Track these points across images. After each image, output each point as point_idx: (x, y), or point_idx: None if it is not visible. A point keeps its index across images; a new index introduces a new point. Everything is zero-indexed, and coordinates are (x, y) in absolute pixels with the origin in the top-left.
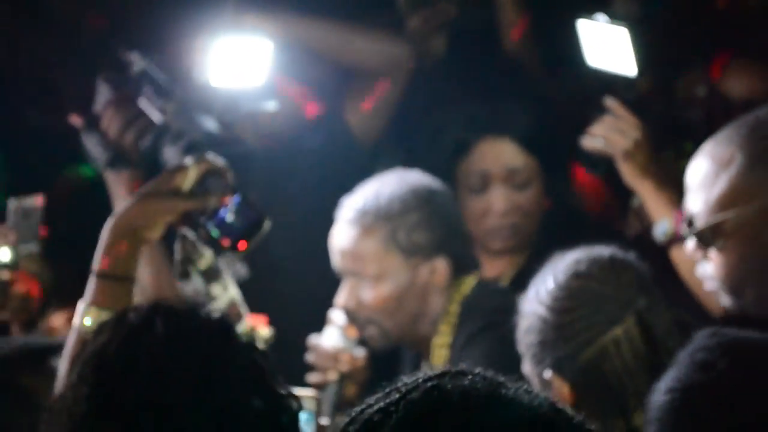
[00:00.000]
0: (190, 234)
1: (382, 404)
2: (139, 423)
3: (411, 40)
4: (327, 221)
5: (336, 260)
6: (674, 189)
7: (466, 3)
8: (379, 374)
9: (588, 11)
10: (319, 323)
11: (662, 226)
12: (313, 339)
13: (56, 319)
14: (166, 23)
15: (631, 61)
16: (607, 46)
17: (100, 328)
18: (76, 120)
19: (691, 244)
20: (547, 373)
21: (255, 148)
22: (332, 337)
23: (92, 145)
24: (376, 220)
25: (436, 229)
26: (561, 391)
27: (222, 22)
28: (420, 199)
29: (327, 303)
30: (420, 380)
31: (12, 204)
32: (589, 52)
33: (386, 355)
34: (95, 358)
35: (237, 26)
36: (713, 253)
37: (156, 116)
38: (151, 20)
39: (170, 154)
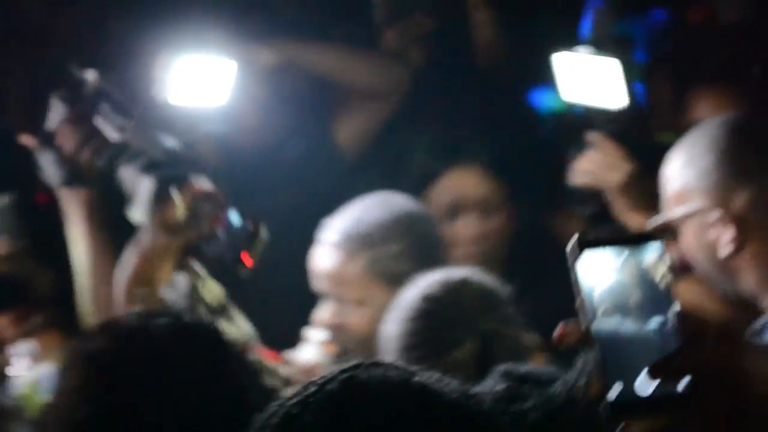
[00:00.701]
0: (196, 265)
1: (300, 396)
2: (141, 424)
3: (387, 52)
4: (305, 234)
5: (317, 281)
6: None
7: (442, 22)
8: None
9: (563, 35)
10: (293, 339)
11: None
12: (289, 353)
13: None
14: (126, 40)
15: (618, 92)
16: (589, 78)
17: (92, 335)
18: (27, 139)
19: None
20: None
21: (220, 165)
22: (309, 352)
23: (47, 163)
24: (359, 246)
25: (418, 258)
26: None
27: (185, 40)
28: (404, 228)
29: (303, 318)
30: (336, 372)
31: None
32: (566, 87)
33: None
34: (92, 363)
35: (200, 45)
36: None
37: (113, 134)
38: (111, 37)
39: (127, 172)
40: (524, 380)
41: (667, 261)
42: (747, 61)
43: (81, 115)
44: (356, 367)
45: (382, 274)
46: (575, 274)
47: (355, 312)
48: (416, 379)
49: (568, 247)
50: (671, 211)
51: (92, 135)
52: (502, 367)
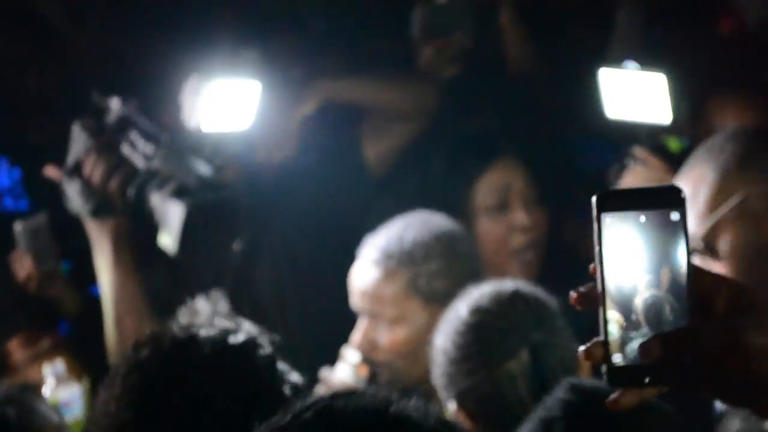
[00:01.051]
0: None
1: (275, 425)
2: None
3: (423, 69)
4: (333, 253)
5: (355, 299)
6: None
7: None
8: None
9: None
10: (329, 356)
11: None
12: (325, 372)
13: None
14: (151, 64)
15: (664, 107)
16: (634, 94)
17: (139, 346)
18: (52, 172)
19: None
20: (452, 405)
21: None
22: (343, 372)
23: (74, 194)
24: (398, 264)
25: (456, 276)
26: (465, 421)
27: (211, 63)
28: (443, 246)
29: (338, 335)
30: (313, 401)
31: (18, 227)
32: (610, 103)
33: None
34: (139, 371)
35: (227, 68)
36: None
37: (140, 162)
38: (136, 62)
39: (157, 199)
40: (590, 394)
41: (686, 222)
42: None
43: (106, 144)
44: (334, 397)
45: (421, 293)
46: (594, 236)
47: (391, 330)
48: (393, 409)
49: (590, 208)
50: (714, 212)
51: (119, 164)
52: (568, 381)
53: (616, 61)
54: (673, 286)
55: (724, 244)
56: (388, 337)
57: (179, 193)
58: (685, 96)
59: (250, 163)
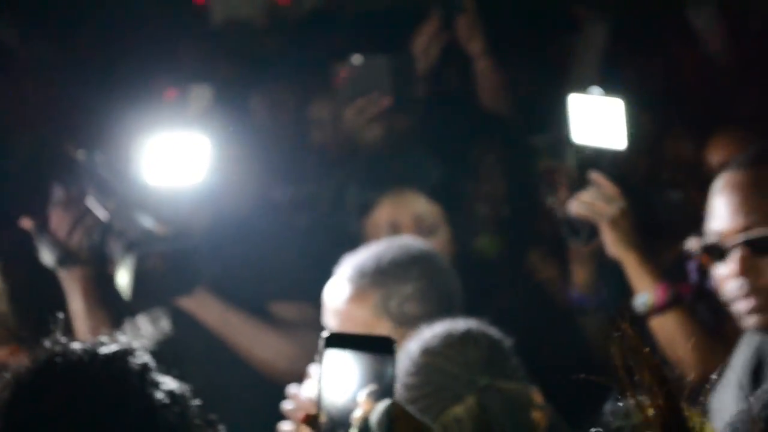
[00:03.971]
0: None
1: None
2: None
3: (347, 128)
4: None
5: (327, 316)
6: (654, 262)
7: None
8: None
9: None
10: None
11: (643, 297)
12: (294, 388)
13: None
14: (108, 119)
15: (620, 133)
16: (597, 119)
17: (5, 384)
18: (26, 222)
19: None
20: None
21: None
22: (313, 390)
23: (44, 245)
24: (371, 284)
25: (429, 301)
26: None
27: (160, 119)
28: (419, 270)
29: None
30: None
31: None
32: (576, 129)
33: None
34: (12, 385)
35: (176, 123)
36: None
37: (102, 214)
38: (96, 116)
39: (114, 251)
40: None
41: (393, 370)
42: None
43: (73, 197)
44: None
45: (392, 315)
46: (319, 367)
47: None
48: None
49: (318, 344)
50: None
51: (83, 216)
52: None
53: (576, 86)
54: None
55: None
56: None
57: (130, 247)
58: (645, 124)
59: (202, 215)
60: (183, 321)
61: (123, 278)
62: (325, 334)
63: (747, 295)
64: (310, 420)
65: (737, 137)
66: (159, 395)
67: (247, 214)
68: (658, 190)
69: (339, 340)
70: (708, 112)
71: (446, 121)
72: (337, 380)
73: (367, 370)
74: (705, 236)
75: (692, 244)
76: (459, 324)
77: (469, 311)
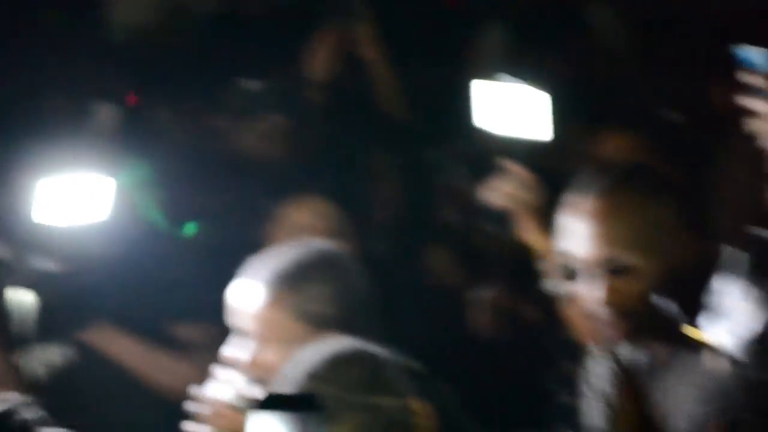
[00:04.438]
0: None
1: None
2: None
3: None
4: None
5: (236, 318)
6: None
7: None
8: None
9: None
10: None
11: (558, 283)
12: (197, 389)
13: None
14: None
15: (542, 124)
16: (510, 108)
17: None
18: None
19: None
20: None
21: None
22: (218, 391)
23: None
24: (286, 286)
25: (343, 302)
26: None
27: (57, 159)
28: (330, 272)
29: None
30: None
31: None
32: (482, 116)
33: None
34: None
35: (73, 164)
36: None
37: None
38: None
39: (14, 288)
40: None
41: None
42: (655, 105)
43: None
44: None
45: (309, 317)
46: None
47: (273, 353)
48: None
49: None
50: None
51: None
52: None
53: (484, 74)
54: None
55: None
56: (271, 359)
57: (28, 285)
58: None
59: (98, 252)
60: (83, 351)
61: (21, 319)
62: (257, 397)
63: (612, 320)
64: None
65: (626, 135)
66: None
67: (144, 237)
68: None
69: (268, 402)
70: (607, 106)
71: (343, 129)
72: None
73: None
74: (561, 255)
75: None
76: (344, 343)
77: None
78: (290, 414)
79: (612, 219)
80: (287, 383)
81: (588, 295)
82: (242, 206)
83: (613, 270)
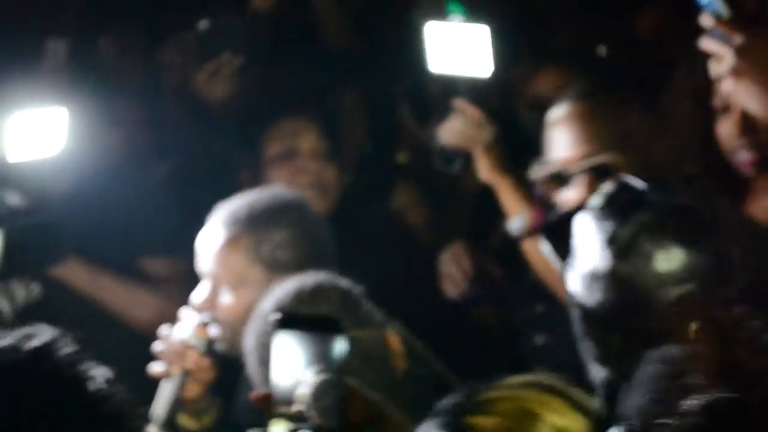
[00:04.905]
0: None
1: None
2: None
3: (197, 89)
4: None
5: (200, 261)
6: (527, 186)
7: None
8: (224, 380)
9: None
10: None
11: (518, 221)
12: (165, 330)
13: None
14: None
15: (485, 60)
16: (457, 47)
17: None
18: None
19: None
20: None
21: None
22: (183, 331)
23: None
24: (244, 229)
25: (301, 248)
26: None
27: (15, 94)
28: (291, 217)
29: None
30: None
31: None
32: (434, 57)
33: (234, 363)
34: None
35: (30, 99)
36: None
37: None
38: None
39: None
40: None
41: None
42: (592, 43)
43: None
44: None
45: (264, 260)
46: (271, 349)
47: (232, 295)
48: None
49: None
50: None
51: None
52: None
53: (431, 12)
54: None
55: None
56: (229, 301)
57: None
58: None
59: (63, 187)
60: (53, 285)
61: None
62: (274, 316)
63: None
64: (263, 399)
65: (562, 71)
66: (92, 385)
67: (109, 171)
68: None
69: (287, 322)
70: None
71: (300, 67)
72: (284, 361)
73: (311, 348)
74: (547, 164)
75: (536, 172)
76: (308, 279)
77: (341, 257)
78: (309, 333)
79: (590, 120)
80: (258, 319)
81: (574, 199)
82: (211, 145)
83: (596, 170)
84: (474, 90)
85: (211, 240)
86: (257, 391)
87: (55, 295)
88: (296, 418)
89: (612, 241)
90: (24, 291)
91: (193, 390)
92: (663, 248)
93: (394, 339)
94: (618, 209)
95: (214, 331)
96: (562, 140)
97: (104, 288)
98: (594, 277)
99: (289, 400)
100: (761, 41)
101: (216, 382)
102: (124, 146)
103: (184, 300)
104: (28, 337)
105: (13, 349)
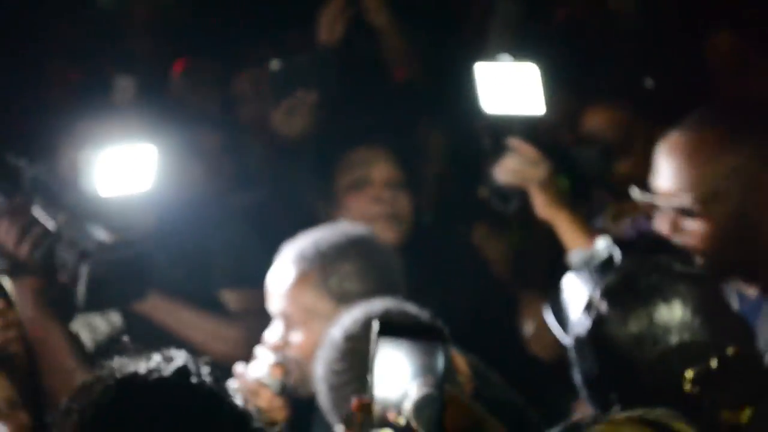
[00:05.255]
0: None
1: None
2: None
3: (276, 130)
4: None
5: (270, 300)
6: (585, 218)
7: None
8: (297, 421)
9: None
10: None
11: (579, 254)
12: (240, 367)
13: None
14: (55, 131)
15: (536, 98)
16: (508, 87)
17: (74, 397)
18: None
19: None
20: (339, 429)
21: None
22: (258, 370)
23: None
24: (312, 265)
25: (369, 279)
26: None
27: (107, 132)
28: (356, 249)
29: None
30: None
31: None
32: (486, 98)
33: (306, 404)
34: (84, 415)
35: (122, 136)
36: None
37: (50, 224)
38: (41, 127)
39: (66, 259)
40: None
41: (444, 359)
42: (638, 76)
43: (19, 206)
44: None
45: (332, 292)
46: (372, 353)
47: (303, 331)
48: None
49: (372, 332)
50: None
51: (31, 226)
52: None
53: (492, 54)
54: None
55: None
56: (300, 338)
57: (83, 257)
58: (563, 89)
59: (149, 222)
60: (134, 317)
61: (78, 288)
62: (377, 322)
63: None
64: (363, 408)
65: (613, 107)
66: (239, 401)
67: (190, 205)
68: (576, 150)
69: (390, 329)
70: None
71: (371, 102)
72: (387, 370)
73: (417, 359)
74: (650, 193)
75: (638, 197)
76: (376, 304)
77: (415, 288)
78: (414, 341)
79: (689, 154)
80: (327, 347)
81: (655, 231)
82: (288, 177)
83: (681, 210)
84: (528, 128)
85: (280, 278)
86: (359, 399)
87: (137, 330)
88: (401, 429)
89: (588, 307)
90: (106, 325)
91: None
92: (630, 310)
93: (459, 359)
94: (594, 271)
95: (288, 372)
96: (662, 170)
97: (185, 322)
98: (579, 342)
99: (390, 410)
100: None
101: (289, 422)
102: (205, 179)
103: (257, 332)
104: (168, 359)
105: (157, 370)
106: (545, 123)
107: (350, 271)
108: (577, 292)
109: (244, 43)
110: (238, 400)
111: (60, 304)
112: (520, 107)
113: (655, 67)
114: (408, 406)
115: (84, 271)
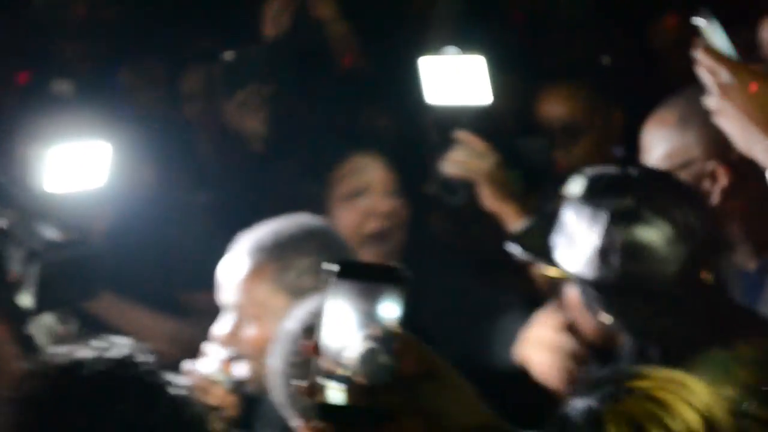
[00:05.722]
0: None
1: None
2: None
3: (230, 123)
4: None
5: (222, 293)
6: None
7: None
8: (247, 417)
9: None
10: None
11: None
12: (189, 364)
13: None
14: (3, 129)
15: (482, 89)
16: (453, 78)
17: (24, 379)
18: None
19: None
20: (297, 422)
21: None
22: (208, 366)
23: None
24: (269, 258)
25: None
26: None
27: (57, 128)
28: (316, 244)
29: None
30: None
31: None
32: (432, 91)
33: (255, 399)
34: (23, 406)
35: (72, 131)
36: None
37: (0, 222)
38: None
39: (14, 261)
40: None
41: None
42: (595, 54)
43: None
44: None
45: (289, 287)
46: (325, 295)
47: (254, 326)
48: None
49: (327, 272)
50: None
51: None
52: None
53: (435, 47)
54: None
55: None
56: (252, 332)
57: (30, 257)
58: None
59: (101, 221)
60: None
61: (26, 287)
62: (331, 265)
63: None
64: (311, 349)
65: (570, 90)
66: (177, 390)
67: (145, 204)
68: (522, 141)
69: (348, 271)
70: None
71: (325, 94)
72: (335, 317)
73: (367, 305)
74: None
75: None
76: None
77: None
78: (368, 283)
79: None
80: (284, 340)
81: None
82: (242, 174)
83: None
84: (475, 120)
85: (233, 270)
86: (306, 342)
87: (91, 330)
88: (344, 380)
89: (616, 216)
90: (61, 325)
91: (217, 427)
92: (663, 215)
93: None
94: (607, 190)
95: (240, 368)
96: (647, 144)
97: (138, 324)
98: (603, 253)
99: (335, 360)
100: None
101: (239, 419)
102: (158, 179)
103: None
104: (107, 348)
105: (97, 360)
106: (492, 113)
107: (308, 266)
108: (584, 211)
109: (190, 39)
110: (181, 390)
111: (9, 305)
112: (465, 98)
113: (604, 49)
114: (350, 358)
115: (33, 270)
